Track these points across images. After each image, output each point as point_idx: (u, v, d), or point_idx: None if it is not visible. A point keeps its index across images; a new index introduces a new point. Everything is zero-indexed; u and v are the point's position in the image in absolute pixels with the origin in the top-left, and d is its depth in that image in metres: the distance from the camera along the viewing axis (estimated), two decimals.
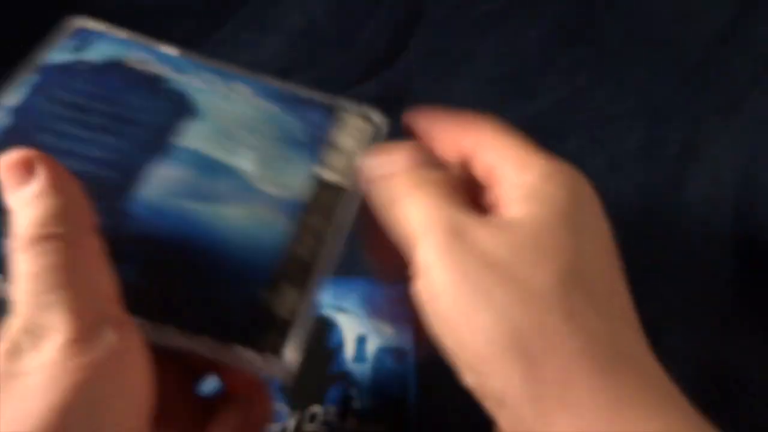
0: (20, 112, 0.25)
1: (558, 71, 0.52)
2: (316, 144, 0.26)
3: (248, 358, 0.20)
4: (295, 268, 0.22)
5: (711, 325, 0.39)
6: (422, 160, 0.24)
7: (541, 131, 0.50)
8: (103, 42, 0.27)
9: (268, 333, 0.21)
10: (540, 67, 0.52)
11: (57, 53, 0.26)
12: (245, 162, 0.25)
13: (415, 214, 0.22)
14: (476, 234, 0.21)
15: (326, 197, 0.24)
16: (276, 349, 0.20)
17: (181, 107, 0.26)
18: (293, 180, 0.25)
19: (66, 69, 0.26)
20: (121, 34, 0.28)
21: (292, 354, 0.20)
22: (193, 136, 0.25)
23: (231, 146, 0.25)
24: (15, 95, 0.25)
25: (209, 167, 0.24)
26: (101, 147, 0.24)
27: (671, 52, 0.52)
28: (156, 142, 0.25)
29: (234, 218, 0.23)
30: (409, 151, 0.24)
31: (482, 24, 0.54)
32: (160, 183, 0.23)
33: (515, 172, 0.23)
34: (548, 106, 0.50)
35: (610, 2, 0.54)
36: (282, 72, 0.59)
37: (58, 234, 0.19)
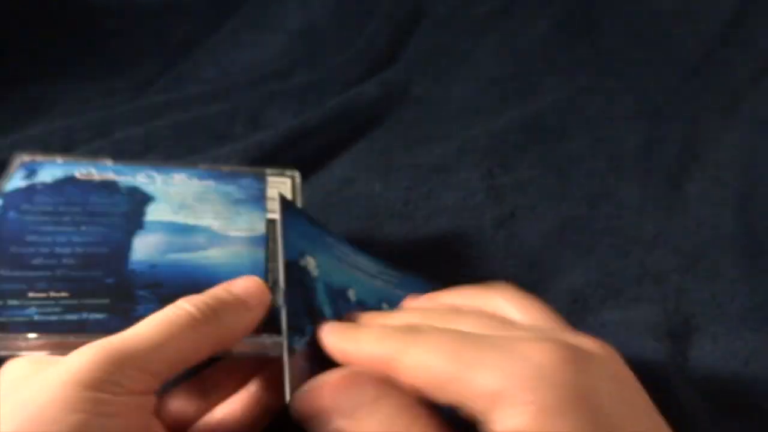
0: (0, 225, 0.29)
1: (558, 71, 0.52)
2: (257, 199, 0.33)
3: (260, 340, 0.25)
4: (272, 280, 0.28)
5: (711, 326, 0.39)
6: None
7: (541, 131, 0.51)
8: (49, 167, 0.33)
9: (271, 322, 0.26)
10: (540, 67, 0.52)
11: (12, 182, 0.31)
12: (208, 221, 0.31)
13: None
14: None
15: (272, 229, 0.32)
16: (277, 330, 0.25)
17: (138, 197, 0.32)
18: (253, 223, 0.32)
19: (25, 190, 0.31)
20: (61, 158, 0.33)
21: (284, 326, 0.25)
22: (158, 212, 0.31)
23: (192, 213, 0.31)
24: None
25: (182, 230, 0.30)
26: (85, 235, 0.29)
27: (671, 52, 0.52)
28: (130, 222, 0.30)
29: (219, 257, 0.29)
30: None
31: (482, 24, 0.54)
32: (147, 248, 0.29)
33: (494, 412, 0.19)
34: (548, 106, 0.50)
35: (610, 2, 0.55)
36: (282, 72, 0.60)
37: None
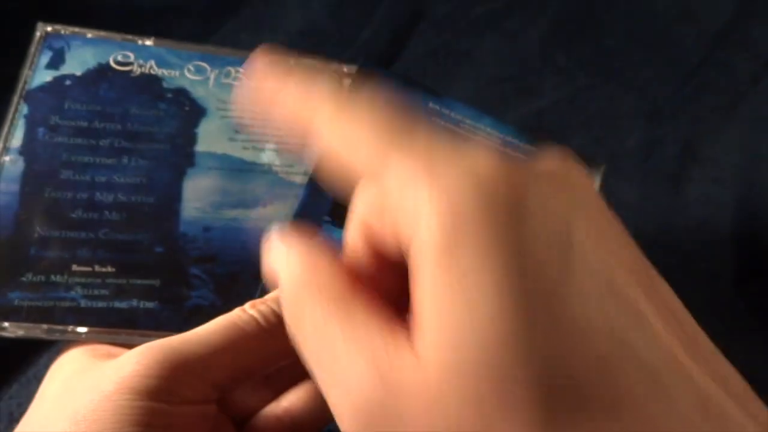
0: (28, 153, 0.24)
1: (558, 71, 0.52)
2: None
3: None
4: None
5: (711, 326, 0.39)
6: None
7: (541, 131, 0.51)
8: (78, 47, 0.26)
9: None
10: (540, 67, 0.52)
11: (36, 72, 0.26)
12: (269, 155, 0.25)
13: (317, 370, 0.15)
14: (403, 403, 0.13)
15: None
16: None
17: (187, 108, 0.26)
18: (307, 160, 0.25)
19: (53, 89, 0.26)
20: (91, 33, 0.27)
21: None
22: (210, 138, 0.25)
23: (250, 140, 0.25)
24: (15, 134, 0.25)
25: (238, 170, 0.25)
26: (128, 173, 0.24)
27: (671, 52, 0.52)
28: (179, 153, 0.25)
29: (276, 218, 0.24)
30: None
31: (482, 24, 0.54)
32: (200, 199, 0.24)
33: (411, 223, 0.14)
34: (548, 106, 0.50)
35: (610, 2, 0.54)
36: None
37: None
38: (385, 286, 0.16)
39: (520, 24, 0.54)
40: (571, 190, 0.16)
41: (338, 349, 0.15)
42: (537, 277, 0.14)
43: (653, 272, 0.16)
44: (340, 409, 0.15)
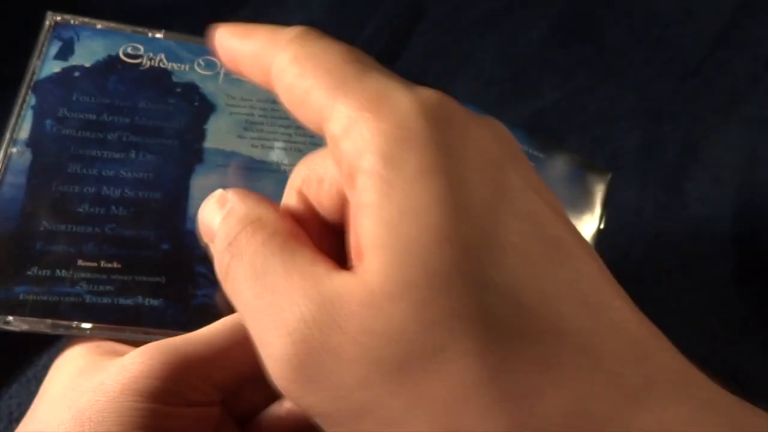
0: (36, 145, 0.24)
1: (558, 71, 0.52)
2: None
3: None
4: None
5: (711, 325, 0.39)
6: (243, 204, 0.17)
7: (541, 131, 0.51)
8: (87, 38, 0.26)
9: None
10: (540, 67, 0.52)
11: (45, 63, 0.25)
12: (278, 153, 0.25)
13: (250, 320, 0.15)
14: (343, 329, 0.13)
15: None
16: None
17: (197, 103, 0.25)
18: None
19: (61, 80, 0.25)
20: (101, 24, 0.27)
21: None
22: (219, 135, 0.25)
23: (259, 138, 0.25)
24: (22, 126, 0.24)
25: (246, 168, 0.25)
26: (135, 167, 0.24)
27: (671, 52, 0.52)
28: (187, 148, 0.24)
29: None
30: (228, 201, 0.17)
31: (482, 24, 0.54)
32: (206, 194, 0.24)
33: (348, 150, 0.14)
34: (548, 106, 0.50)
35: (610, 2, 0.54)
36: None
37: None
38: (320, 245, 0.16)
39: (520, 24, 0.54)
40: (506, 140, 0.16)
41: (276, 276, 0.14)
42: (476, 188, 0.14)
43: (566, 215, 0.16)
44: (272, 347, 0.14)
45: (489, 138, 0.15)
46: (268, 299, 0.14)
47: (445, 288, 0.13)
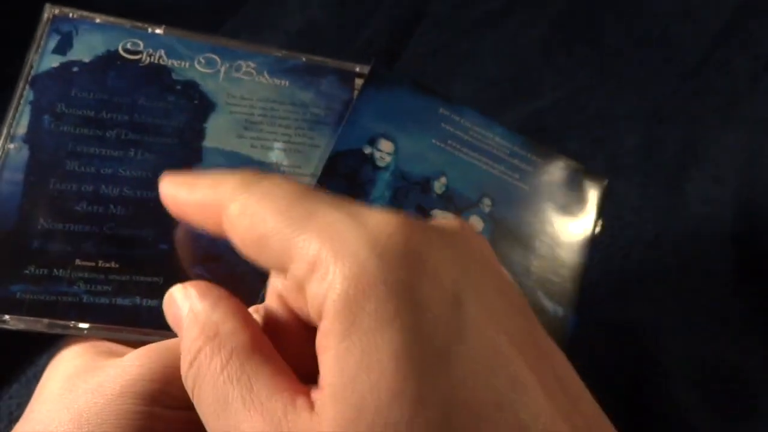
0: (33, 141, 0.24)
1: (558, 71, 0.52)
2: (337, 116, 0.26)
3: None
4: None
5: (711, 325, 0.39)
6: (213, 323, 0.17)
7: (541, 131, 0.51)
8: (86, 32, 0.26)
9: None
10: (540, 67, 0.52)
11: (44, 57, 0.25)
12: (277, 153, 0.25)
13: None
14: None
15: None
16: None
17: (196, 101, 0.25)
18: (315, 161, 0.25)
19: (59, 74, 0.25)
20: (100, 18, 0.26)
21: None
22: (218, 134, 0.25)
23: (258, 138, 0.25)
24: (20, 121, 0.24)
25: (244, 167, 0.24)
26: (134, 166, 0.24)
27: (671, 52, 0.52)
28: (186, 147, 0.24)
29: None
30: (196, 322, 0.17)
31: (482, 24, 0.54)
32: None
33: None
34: (548, 106, 0.50)
35: (610, 2, 0.54)
36: None
37: None
38: (299, 351, 0.17)
39: (520, 24, 0.54)
40: (465, 253, 0.16)
41: (237, 411, 0.15)
42: (430, 337, 0.15)
43: (541, 337, 0.17)
44: None
45: (449, 263, 0.16)
46: (226, 423, 0.15)
47: None
